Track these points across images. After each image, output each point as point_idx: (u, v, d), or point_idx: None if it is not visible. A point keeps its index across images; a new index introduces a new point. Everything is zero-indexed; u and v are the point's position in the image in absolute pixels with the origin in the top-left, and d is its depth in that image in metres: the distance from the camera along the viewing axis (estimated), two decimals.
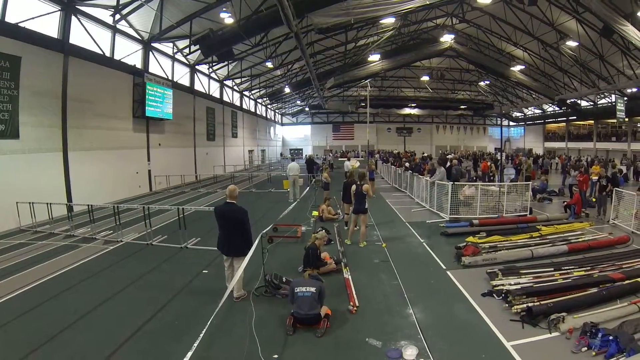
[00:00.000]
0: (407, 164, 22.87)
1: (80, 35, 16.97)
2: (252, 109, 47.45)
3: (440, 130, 62.31)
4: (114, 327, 6.19)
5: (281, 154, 59.62)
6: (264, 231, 8.88)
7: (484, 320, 6.11)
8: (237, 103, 41.03)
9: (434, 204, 14.67)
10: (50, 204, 13.38)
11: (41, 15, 14.73)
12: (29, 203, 13.07)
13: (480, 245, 9.40)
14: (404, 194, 19.55)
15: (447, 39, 34.25)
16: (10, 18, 13.55)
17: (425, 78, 44.89)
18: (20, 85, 13.83)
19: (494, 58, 36.73)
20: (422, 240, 11.00)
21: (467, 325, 6.02)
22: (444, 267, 8.67)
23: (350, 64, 34.43)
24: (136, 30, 21.04)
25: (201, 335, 4.81)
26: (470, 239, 10.01)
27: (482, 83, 46.21)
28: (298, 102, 54.54)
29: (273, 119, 59.92)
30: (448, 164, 16.82)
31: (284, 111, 62.07)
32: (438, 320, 6.20)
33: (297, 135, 65.17)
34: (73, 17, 16.31)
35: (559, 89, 37.29)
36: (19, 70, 13.75)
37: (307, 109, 57.45)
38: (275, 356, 5.24)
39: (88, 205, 13.07)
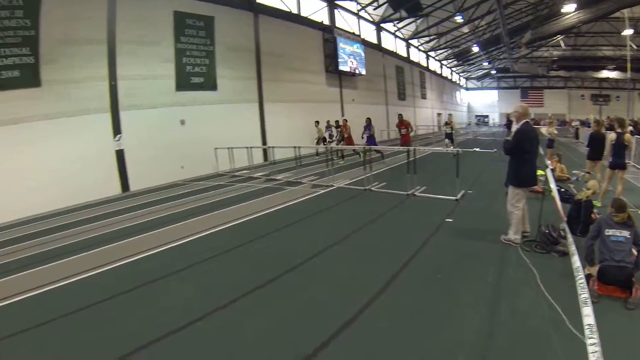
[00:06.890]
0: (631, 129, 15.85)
1: None
2: (438, 71, 41.31)
3: None
4: (372, 260, 4.66)
5: (469, 122, 52.32)
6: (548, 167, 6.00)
7: None
8: (423, 64, 35.81)
9: None
10: (251, 147, 12.41)
11: None
12: (228, 148, 12.28)
13: None
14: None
15: None
16: None
17: (629, 32, 31.23)
18: (216, 41, 13.08)
19: None
20: None
21: None
22: None
23: (543, 16, 26.04)
24: None
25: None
26: None
27: None
28: (484, 63, 45.01)
29: (458, 82, 51.82)
30: None
31: (468, 74, 52.86)
32: None
33: (482, 101, 54.91)
34: None
35: None
36: (214, 28, 13.05)
37: (493, 71, 47.58)
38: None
39: (294, 147, 11.53)
